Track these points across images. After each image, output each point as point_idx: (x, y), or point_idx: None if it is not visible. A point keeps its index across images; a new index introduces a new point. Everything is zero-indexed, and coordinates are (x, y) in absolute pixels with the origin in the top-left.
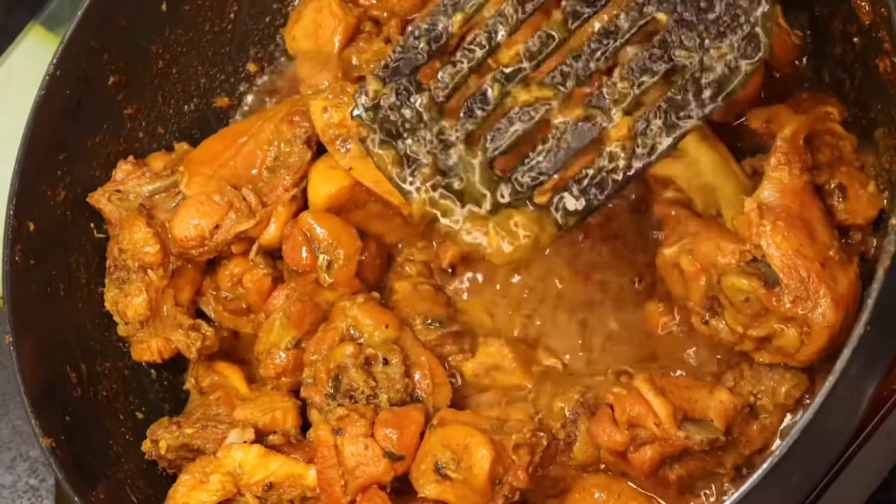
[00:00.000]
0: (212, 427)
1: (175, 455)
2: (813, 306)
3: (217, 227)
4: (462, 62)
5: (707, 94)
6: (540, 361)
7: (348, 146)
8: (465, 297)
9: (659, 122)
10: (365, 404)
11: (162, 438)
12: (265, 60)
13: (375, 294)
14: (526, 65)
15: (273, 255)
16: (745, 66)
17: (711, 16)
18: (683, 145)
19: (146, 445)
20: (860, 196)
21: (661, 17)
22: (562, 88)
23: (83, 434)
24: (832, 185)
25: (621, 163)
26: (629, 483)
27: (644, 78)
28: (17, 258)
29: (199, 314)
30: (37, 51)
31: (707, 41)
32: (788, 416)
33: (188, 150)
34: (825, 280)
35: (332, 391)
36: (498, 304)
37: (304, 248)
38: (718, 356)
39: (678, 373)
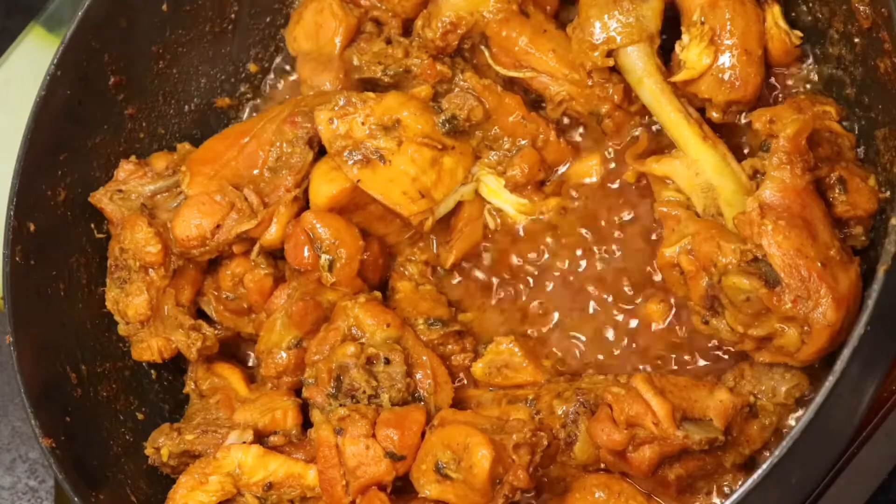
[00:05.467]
0: (212, 432)
1: (177, 462)
2: (814, 306)
3: (218, 226)
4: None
5: None
6: (546, 359)
7: (356, 157)
8: (466, 297)
9: None
10: (366, 404)
11: (164, 446)
12: (265, 60)
13: (377, 294)
14: None
15: (274, 255)
16: None
17: None
18: (683, 145)
19: (149, 451)
20: (861, 189)
21: None
22: None
23: (83, 435)
24: (832, 179)
25: None
26: (630, 482)
27: None
28: (17, 258)
29: (201, 315)
30: (37, 52)
31: None
32: (788, 416)
33: (190, 150)
34: (826, 280)
35: (333, 391)
36: (499, 304)
37: (306, 248)
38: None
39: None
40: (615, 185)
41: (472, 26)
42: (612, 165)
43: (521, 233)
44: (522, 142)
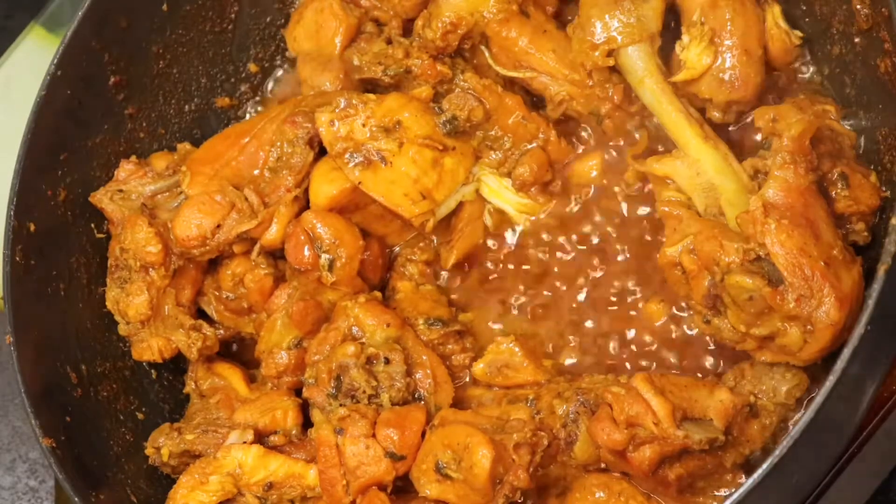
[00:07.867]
0: (212, 432)
1: (178, 462)
2: (817, 305)
3: (219, 226)
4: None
5: None
6: (546, 359)
7: (357, 159)
8: (466, 297)
9: None
10: (367, 404)
11: (164, 446)
12: (265, 60)
13: (377, 293)
14: None
15: (274, 255)
16: None
17: None
18: (684, 145)
19: (149, 451)
20: (863, 184)
21: None
22: None
23: (83, 435)
24: (834, 175)
25: None
26: (630, 482)
27: None
28: (17, 258)
29: (201, 315)
30: (37, 52)
31: None
32: (789, 415)
33: (190, 150)
34: (829, 279)
35: (333, 391)
36: (500, 304)
37: (306, 247)
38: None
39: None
40: (616, 186)
41: (473, 26)
42: (612, 165)
43: (522, 233)
44: (529, 146)
